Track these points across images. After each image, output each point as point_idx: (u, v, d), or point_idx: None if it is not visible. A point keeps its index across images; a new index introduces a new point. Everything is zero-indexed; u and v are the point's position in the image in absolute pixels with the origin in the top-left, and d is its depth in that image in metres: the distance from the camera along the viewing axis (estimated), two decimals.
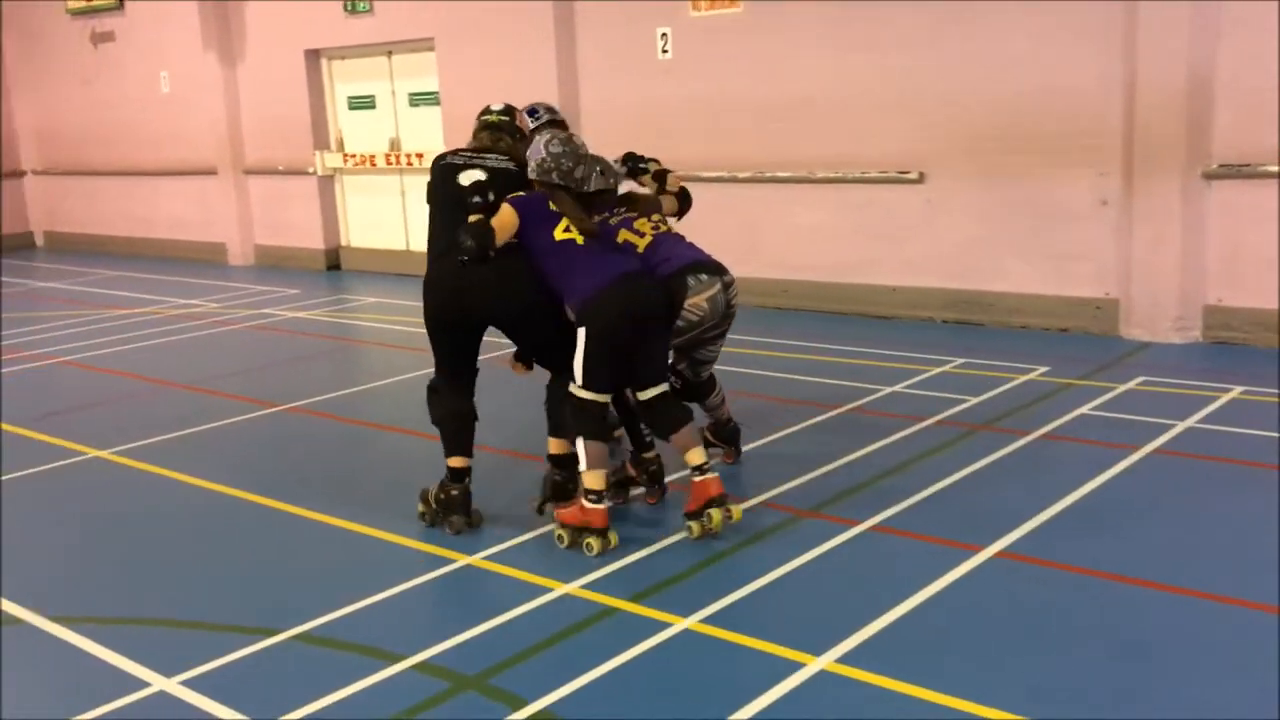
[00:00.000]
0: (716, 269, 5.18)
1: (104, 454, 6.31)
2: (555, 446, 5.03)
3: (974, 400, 6.47)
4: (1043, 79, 7.87)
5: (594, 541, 4.57)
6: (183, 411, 7.14)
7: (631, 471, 5.18)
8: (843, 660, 3.65)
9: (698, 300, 5.05)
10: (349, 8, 12.20)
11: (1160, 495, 4.97)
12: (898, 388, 6.85)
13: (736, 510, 4.78)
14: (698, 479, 4.68)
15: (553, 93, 10.50)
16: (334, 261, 13.39)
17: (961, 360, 7.41)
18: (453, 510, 4.92)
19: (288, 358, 8.76)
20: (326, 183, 13.26)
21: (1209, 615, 3.88)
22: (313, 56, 12.97)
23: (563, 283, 4.69)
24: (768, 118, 9.28)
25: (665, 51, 9.80)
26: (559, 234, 4.70)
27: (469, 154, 5.01)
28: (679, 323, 5.03)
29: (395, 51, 12.34)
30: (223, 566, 4.75)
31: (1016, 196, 8.16)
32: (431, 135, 12.04)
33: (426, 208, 5.02)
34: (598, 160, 4.89)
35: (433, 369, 5.09)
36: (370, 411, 7.03)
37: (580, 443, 4.63)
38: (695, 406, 5.29)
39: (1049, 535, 4.55)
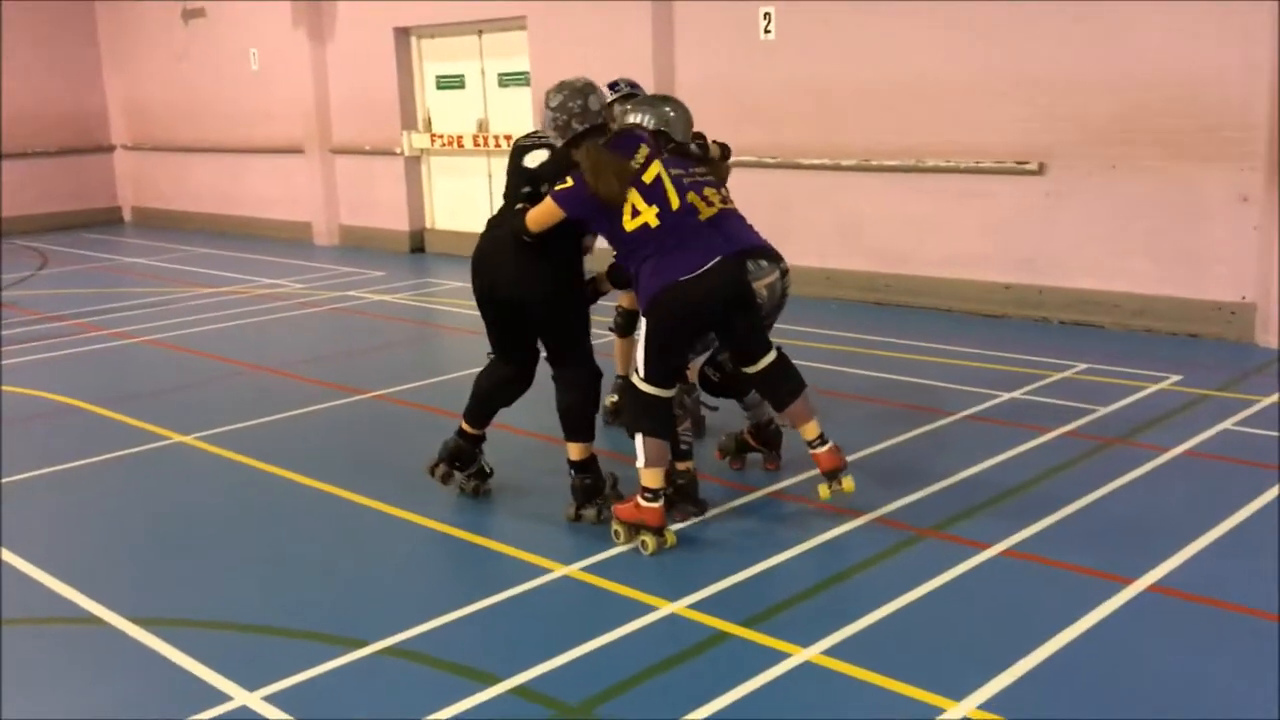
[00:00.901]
0: (775, 256, 4.96)
1: (187, 439, 6.13)
2: (575, 452, 4.74)
3: (1103, 410, 6.01)
4: (1179, 65, 7.32)
5: (649, 540, 4.37)
6: (267, 396, 6.95)
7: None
8: (987, 707, 3.27)
9: (757, 286, 4.77)
10: None
11: None
12: (1017, 394, 6.40)
13: (848, 481, 4.52)
14: (813, 452, 4.53)
15: (648, 74, 10.14)
16: (418, 244, 13.20)
17: (1084, 365, 6.93)
18: (453, 457, 5.05)
19: (373, 343, 8.55)
20: (413, 163, 13.07)
21: None
22: (402, 35, 12.76)
23: (640, 275, 4.40)
24: (875, 102, 8.83)
25: (768, 32, 9.38)
26: (630, 224, 4.36)
27: (539, 134, 4.78)
28: None
29: (486, 30, 12.08)
30: (308, 567, 4.51)
31: (1145, 191, 7.62)
32: (520, 117, 11.76)
33: None
34: (666, 100, 4.91)
35: None
36: (457, 403, 6.64)
37: (639, 439, 4.38)
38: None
39: (1206, 568, 4.11)
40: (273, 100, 14.28)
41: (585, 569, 4.31)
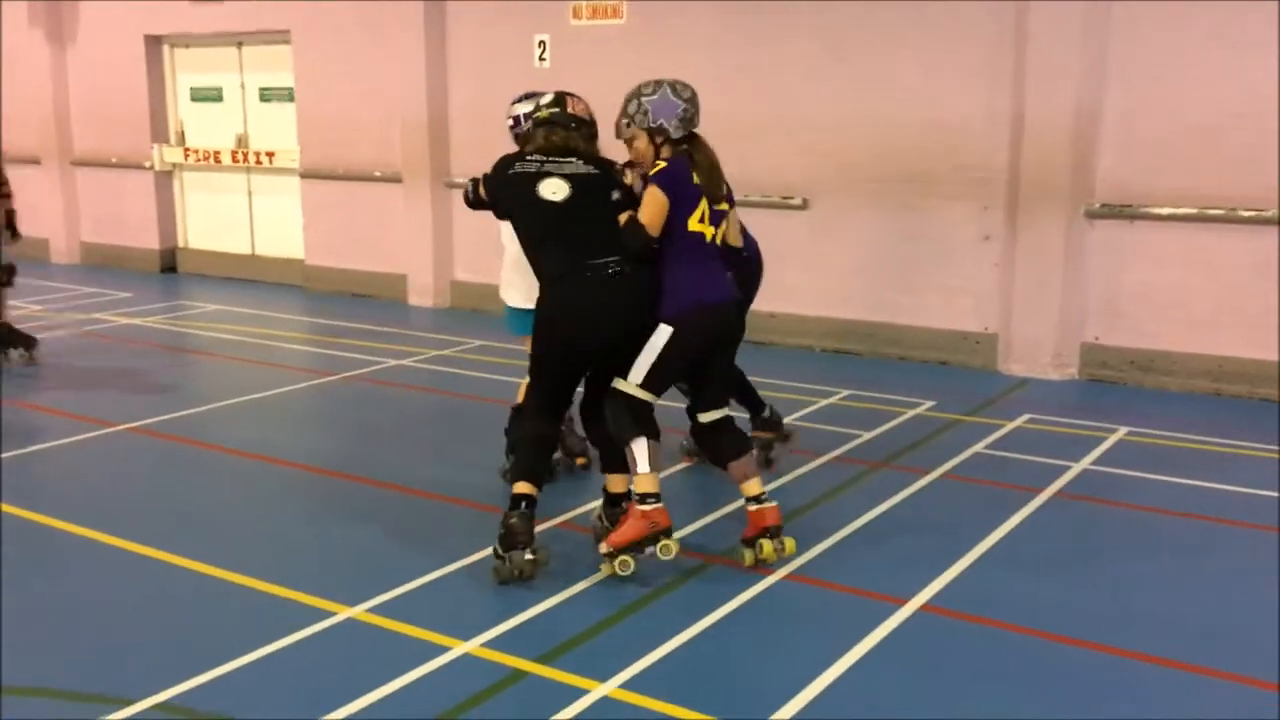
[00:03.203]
0: None
1: None
2: (621, 484, 4.66)
3: (868, 435, 6.31)
4: (930, 112, 7.83)
5: (671, 543, 4.38)
6: (8, 431, 6.36)
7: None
8: None
9: None
10: None
11: (1074, 544, 4.84)
12: (787, 420, 6.58)
13: (790, 542, 4.55)
14: (752, 509, 4.53)
15: (420, 96, 10.01)
16: (169, 263, 12.49)
17: (847, 392, 7.26)
18: (512, 543, 4.31)
19: (123, 369, 7.97)
20: (164, 178, 12.35)
21: (1157, 682, 3.74)
22: (154, 43, 12.06)
23: (673, 277, 4.40)
24: None
25: (543, 59, 9.41)
26: (693, 224, 4.39)
27: (540, 159, 4.42)
28: None
29: (246, 43, 11.58)
30: (67, 619, 4.13)
31: (901, 227, 8.09)
32: (284, 133, 11.33)
33: (502, 225, 4.78)
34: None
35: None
36: (222, 434, 6.40)
37: (640, 444, 4.35)
38: None
39: (972, 586, 4.36)
40: (5, 105, 13.14)
41: (372, 610, 4.14)
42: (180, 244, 12.56)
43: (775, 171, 8.51)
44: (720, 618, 4.08)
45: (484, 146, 10.00)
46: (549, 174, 4.39)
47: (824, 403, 7.02)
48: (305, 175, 11.15)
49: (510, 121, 5.33)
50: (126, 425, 6.50)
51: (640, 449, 4.35)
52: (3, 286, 7.90)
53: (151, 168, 12.22)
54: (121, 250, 12.61)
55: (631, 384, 4.38)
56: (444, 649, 3.84)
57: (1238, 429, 6.43)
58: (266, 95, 11.61)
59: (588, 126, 4.57)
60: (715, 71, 8.65)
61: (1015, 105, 7.48)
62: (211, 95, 12.02)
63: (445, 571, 4.48)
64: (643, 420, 4.38)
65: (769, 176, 8.54)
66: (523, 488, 4.41)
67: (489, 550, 4.62)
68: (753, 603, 4.22)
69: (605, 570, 4.37)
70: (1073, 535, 4.94)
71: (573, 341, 4.42)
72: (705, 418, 4.59)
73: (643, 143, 4.46)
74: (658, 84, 4.49)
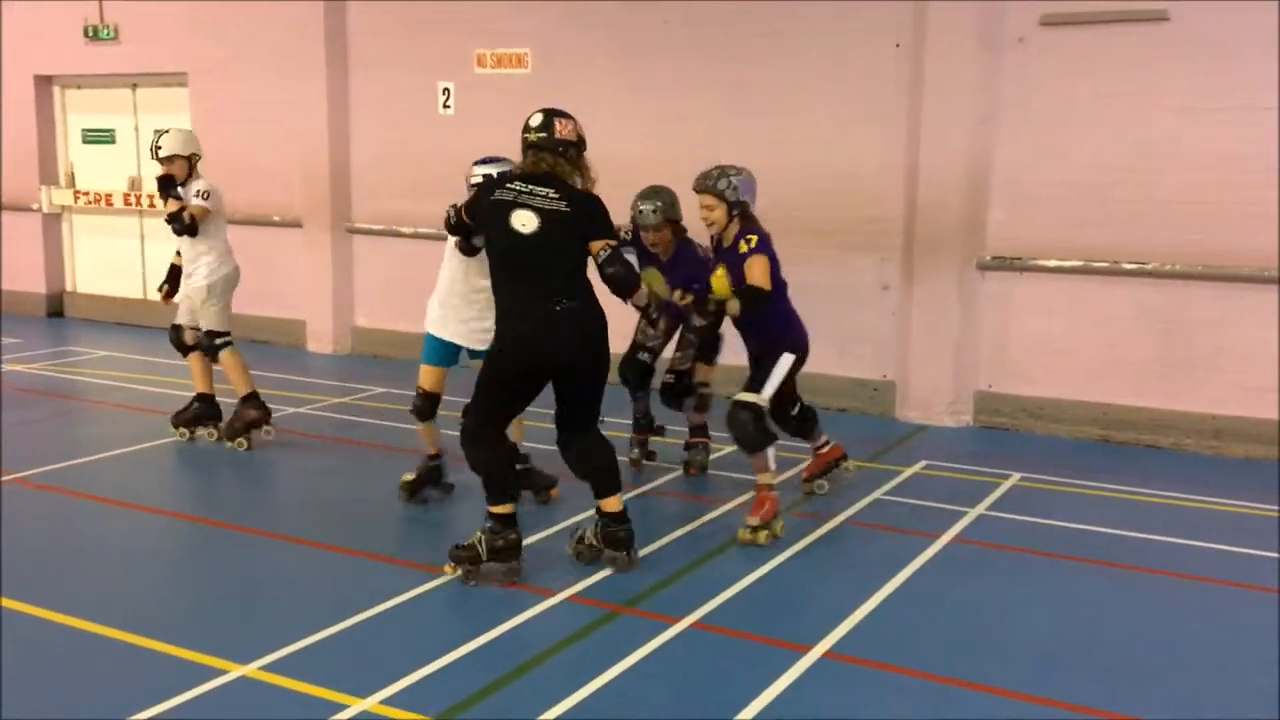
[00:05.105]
0: None
1: None
2: (616, 504, 4.97)
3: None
4: (830, 163, 8.00)
5: (779, 525, 5.45)
6: None
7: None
8: None
9: None
10: (90, 34, 11.13)
11: (970, 587, 4.92)
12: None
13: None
14: (823, 451, 6.16)
15: (322, 141, 9.92)
16: (56, 308, 12.10)
17: None
18: (509, 557, 4.78)
19: (6, 418, 7.66)
20: (52, 221, 11.98)
21: None
22: (44, 83, 11.75)
23: (783, 318, 5.61)
24: None
25: (447, 106, 9.40)
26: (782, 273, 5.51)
27: (520, 187, 4.68)
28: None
29: (141, 84, 11.34)
30: None
31: (802, 277, 8.07)
32: None
33: (476, 237, 5.16)
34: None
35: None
36: (108, 485, 6.18)
37: (771, 450, 5.47)
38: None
39: (874, 633, 4.40)
40: None
41: (265, 668, 4.01)
42: (68, 288, 12.18)
43: (687, 217, 8.56)
44: (625, 669, 4.04)
45: (386, 192, 9.99)
46: (522, 205, 4.62)
47: (728, 449, 7.05)
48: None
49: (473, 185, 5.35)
50: (8, 476, 6.23)
51: (771, 454, 5.48)
52: (211, 353, 6.97)
53: (39, 210, 11.86)
54: (4, 294, 12.16)
55: (763, 399, 5.41)
56: (342, 707, 3.73)
57: (1125, 474, 6.63)
58: None
59: (575, 147, 4.79)
60: (619, 123, 8.73)
61: (910, 158, 7.69)
62: (104, 137, 11.72)
63: (342, 626, 4.36)
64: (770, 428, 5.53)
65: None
66: (509, 508, 4.81)
67: (388, 603, 4.54)
68: (658, 653, 4.19)
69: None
70: (971, 579, 5.02)
71: (523, 366, 4.71)
72: (795, 410, 6.02)
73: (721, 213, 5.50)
74: (738, 169, 5.56)
